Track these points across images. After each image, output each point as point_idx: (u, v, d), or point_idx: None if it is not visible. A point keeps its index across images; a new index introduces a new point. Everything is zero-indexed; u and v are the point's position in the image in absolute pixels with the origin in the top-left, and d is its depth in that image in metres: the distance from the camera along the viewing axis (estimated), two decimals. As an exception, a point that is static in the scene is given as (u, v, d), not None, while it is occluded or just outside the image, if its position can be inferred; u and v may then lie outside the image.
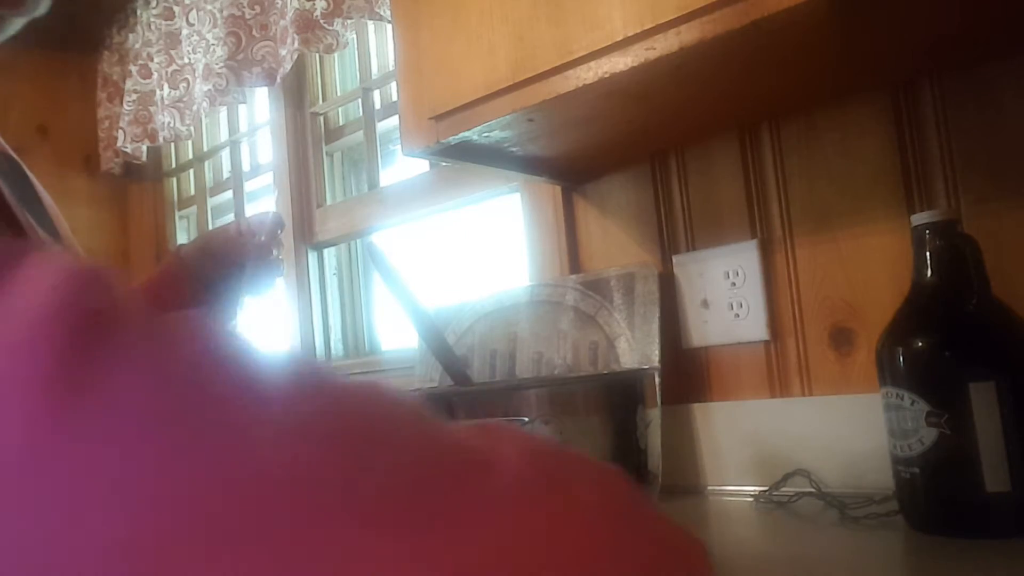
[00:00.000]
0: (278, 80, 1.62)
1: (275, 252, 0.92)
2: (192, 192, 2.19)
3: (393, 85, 1.45)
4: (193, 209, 2.18)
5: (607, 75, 0.77)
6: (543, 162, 1.08)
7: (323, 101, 1.78)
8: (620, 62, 0.76)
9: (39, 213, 0.63)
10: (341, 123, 1.76)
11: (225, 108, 1.96)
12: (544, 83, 0.82)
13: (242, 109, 2.01)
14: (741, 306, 1.01)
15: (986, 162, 0.84)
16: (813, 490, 0.89)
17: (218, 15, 1.70)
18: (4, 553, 0.19)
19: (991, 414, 0.64)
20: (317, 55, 1.71)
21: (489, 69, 0.85)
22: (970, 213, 0.84)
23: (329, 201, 1.74)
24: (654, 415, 0.64)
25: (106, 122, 2.13)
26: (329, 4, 1.43)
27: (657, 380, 0.66)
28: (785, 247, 0.99)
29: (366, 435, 0.23)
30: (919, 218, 0.72)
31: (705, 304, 1.04)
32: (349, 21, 1.47)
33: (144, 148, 2.00)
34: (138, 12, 2.00)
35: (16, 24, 0.57)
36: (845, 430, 0.90)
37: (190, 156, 2.19)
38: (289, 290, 1.75)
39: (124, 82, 2.04)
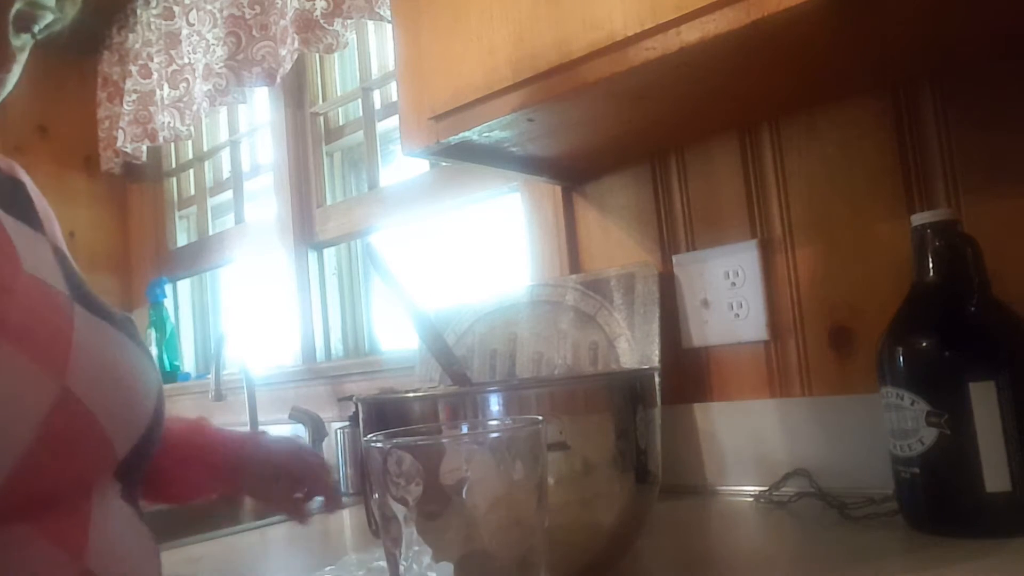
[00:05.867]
0: (278, 80, 1.62)
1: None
2: (192, 192, 2.19)
3: (393, 85, 1.45)
4: (193, 209, 2.18)
5: (607, 75, 0.77)
6: (543, 162, 1.08)
7: (323, 101, 1.78)
8: (620, 62, 0.76)
9: (32, 220, 0.64)
10: (341, 123, 1.76)
11: (225, 108, 1.96)
12: (544, 83, 0.82)
13: (242, 109, 2.01)
14: (741, 306, 1.01)
15: (986, 162, 0.84)
16: (813, 490, 0.89)
17: (218, 15, 1.70)
18: None
19: (991, 414, 0.64)
20: (317, 55, 1.71)
21: (489, 69, 0.85)
22: (970, 213, 0.84)
23: (329, 201, 1.74)
24: (654, 415, 0.64)
25: (106, 122, 2.13)
26: (329, 4, 1.43)
27: (657, 380, 0.66)
28: (785, 247, 0.99)
29: None
30: (919, 218, 0.72)
31: (705, 304, 1.04)
32: (349, 21, 1.47)
33: (144, 148, 2.00)
34: (138, 12, 2.00)
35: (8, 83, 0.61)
36: (845, 430, 0.90)
37: (190, 156, 2.19)
38: (289, 290, 1.75)
39: (124, 82, 2.04)
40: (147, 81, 1.97)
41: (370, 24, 1.64)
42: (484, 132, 0.90)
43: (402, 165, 1.61)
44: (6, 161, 0.67)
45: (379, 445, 0.40)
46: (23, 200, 0.65)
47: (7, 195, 0.63)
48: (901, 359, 0.70)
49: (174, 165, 2.23)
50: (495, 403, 0.57)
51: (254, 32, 1.64)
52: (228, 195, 2.05)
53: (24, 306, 0.52)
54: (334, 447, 1.43)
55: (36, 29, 0.62)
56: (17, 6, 0.59)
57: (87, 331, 0.57)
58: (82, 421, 0.53)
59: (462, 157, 0.99)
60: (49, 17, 0.62)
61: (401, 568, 0.39)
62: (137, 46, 2.00)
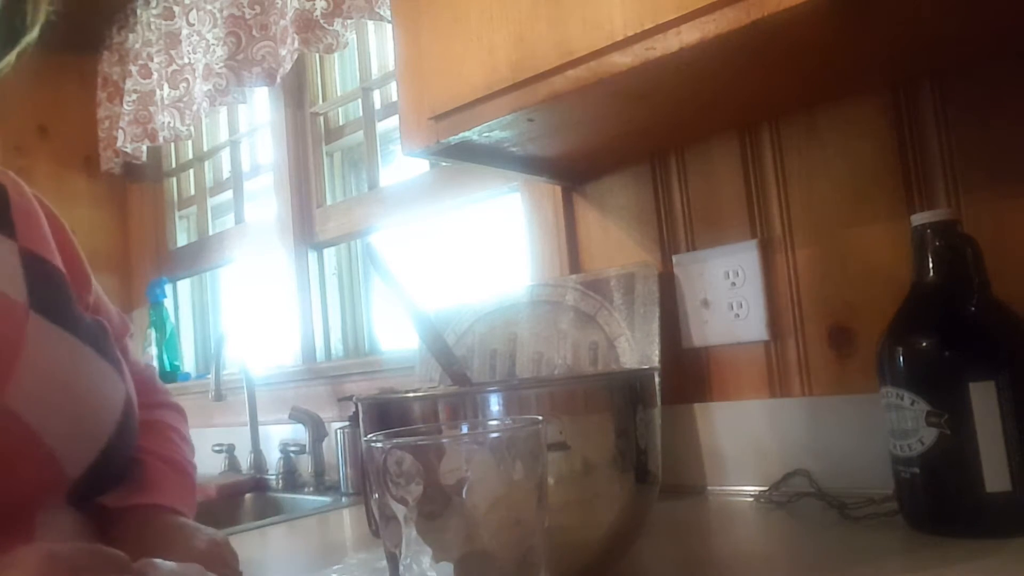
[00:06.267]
0: (278, 80, 1.62)
1: None
2: (192, 192, 2.19)
3: (393, 85, 1.45)
4: (193, 209, 2.18)
5: (607, 75, 0.77)
6: (543, 162, 1.08)
7: (323, 101, 1.78)
8: (620, 62, 0.76)
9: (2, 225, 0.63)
10: (341, 123, 1.77)
11: (225, 108, 1.96)
12: (544, 83, 0.82)
13: (242, 109, 2.01)
14: (741, 306, 1.01)
15: (986, 162, 0.84)
16: (813, 490, 0.89)
17: (218, 15, 1.70)
18: None
19: (991, 414, 0.64)
20: (317, 55, 1.71)
21: (489, 69, 0.85)
22: (970, 213, 0.84)
23: (329, 201, 1.74)
24: (654, 415, 0.64)
25: (106, 122, 2.13)
26: (329, 4, 1.43)
27: (657, 380, 0.66)
28: (785, 247, 0.99)
29: None
30: (919, 218, 0.72)
31: (705, 304, 1.04)
32: (349, 21, 1.47)
33: (144, 148, 2.00)
34: (138, 12, 2.00)
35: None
36: (845, 430, 0.90)
37: (190, 156, 2.19)
38: (289, 290, 1.75)
39: (124, 82, 2.04)
40: (147, 81, 1.97)
41: (370, 24, 1.64)
42: (484, 132, 0.90)
43: (402, 165, 1.61)
44: None
45: (379, 445, 0.40)
46: None
47: None
48: (901, 359, 0.70)
49: (174, 165, 2.23)
50: (495, 403, 0.57)
51: (254, 32, 1.64)
52: (228, 195, 2.05)
53: None
54: (334, 447, 1.43)
55: None
56: None
57: (41, 343, 0.55)
58: (21, 440, 0.51)
59: (462, 157, 0.99)
60: None
61: (401, 568, 0.39)
62: (137, 46, 2.00)
